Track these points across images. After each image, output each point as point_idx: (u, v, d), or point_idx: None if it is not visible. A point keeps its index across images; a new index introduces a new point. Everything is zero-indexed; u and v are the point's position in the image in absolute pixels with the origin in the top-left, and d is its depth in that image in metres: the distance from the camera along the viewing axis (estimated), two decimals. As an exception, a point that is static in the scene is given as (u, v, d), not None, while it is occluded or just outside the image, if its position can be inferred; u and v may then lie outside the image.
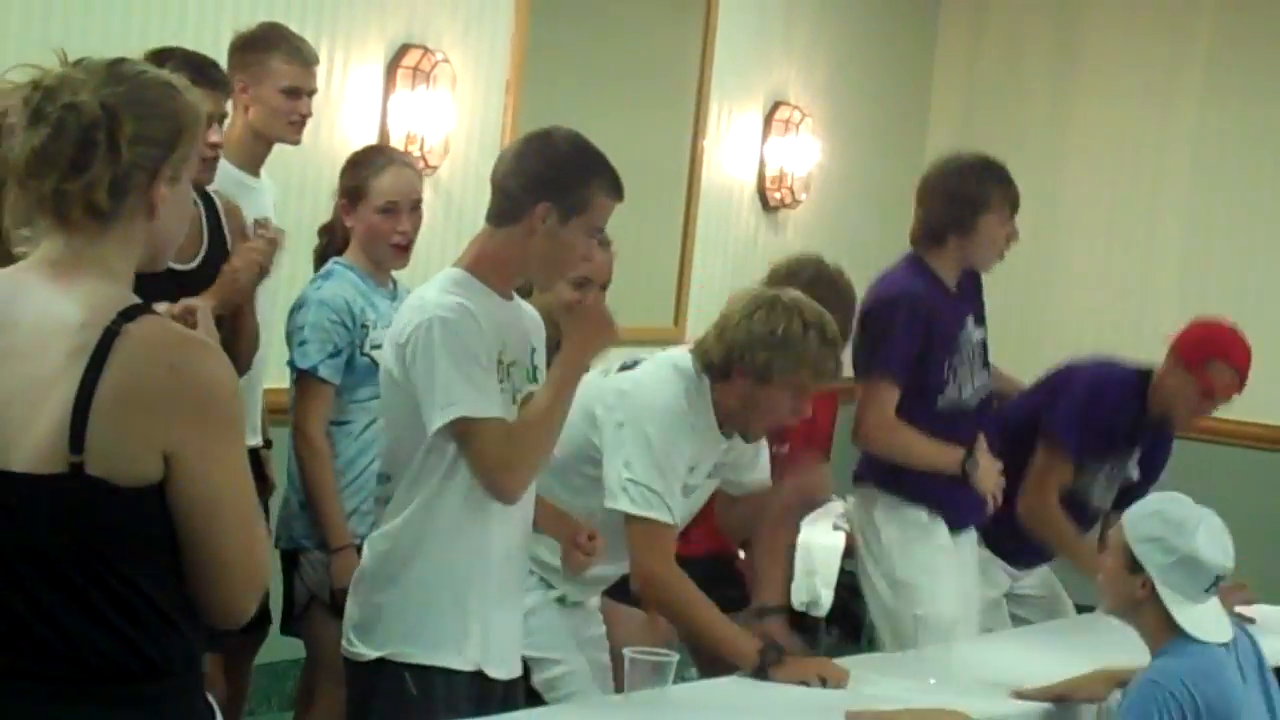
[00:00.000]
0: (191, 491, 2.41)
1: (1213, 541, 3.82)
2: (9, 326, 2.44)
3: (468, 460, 3.59)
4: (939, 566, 5.03)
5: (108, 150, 2.42)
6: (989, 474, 5.03)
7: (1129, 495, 5.12)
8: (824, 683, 4.07)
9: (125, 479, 2.37)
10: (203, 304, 4.20)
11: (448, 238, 6.05)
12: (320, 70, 5.21)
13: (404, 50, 6.77)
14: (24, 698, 2.41)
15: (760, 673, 4.08)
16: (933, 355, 5.03)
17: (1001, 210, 5.11)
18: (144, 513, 2.40)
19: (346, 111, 6.55)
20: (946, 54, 9.78)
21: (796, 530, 5.41)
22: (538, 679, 4.18)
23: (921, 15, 9.70)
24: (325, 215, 4.97)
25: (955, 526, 5.15)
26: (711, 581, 4.86)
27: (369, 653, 3.67)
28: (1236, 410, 7.59)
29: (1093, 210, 9.14)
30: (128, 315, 2.40)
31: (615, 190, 3.71)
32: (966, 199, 5.07)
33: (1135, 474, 5.42)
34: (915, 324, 5.00)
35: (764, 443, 4.55)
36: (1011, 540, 5.33)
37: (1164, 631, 3.80)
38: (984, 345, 5.22)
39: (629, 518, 4.13)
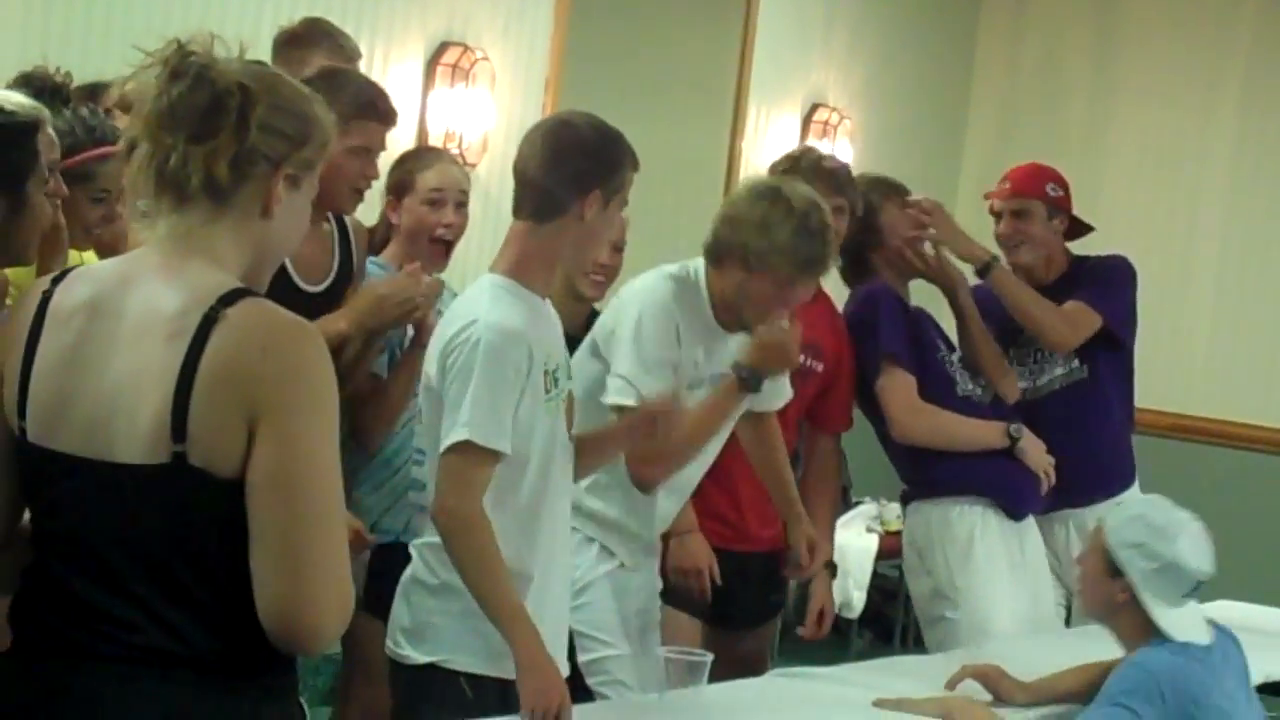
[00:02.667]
0: (266, 471, 2.35)
1: (1195, 547, 3.82)
2: (114, 316, 2.43)
3: (439, 480, 3.58)
4: (998, 574, 5.06)
5: (236, 123, 2.43)
6: (1036, 445, 5.08)
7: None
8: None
9: (224, 469, 2.36)
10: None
11: (485, 235, 6.05)
12: (360, 67, 5.21)
13: (444, 48, 6.79)
14: (127, 675, 2.41)
15: None
16: (928, 353, 5.12)
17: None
18: (244, 505, 2.38)
19: (386, 108, 6.56)
20: (986, 58, 9.77)
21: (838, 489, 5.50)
22: (582, 659, 4.16)
23: (961, 18, 9.69)
24: (364, 211, 4.97)
25: (1015, 514, 5.16)
26: (762, 583, 4.90)
27: (420, 657, 3.66)
28: (1232, 411, 7.60)
29: (1130, 215, 9.11)
30: (227, 300, 2.39)
31: (636, 163, 3.76)
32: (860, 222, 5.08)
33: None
34: (895, 313, 5.09)
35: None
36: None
37: (1142, 634, 3.80)
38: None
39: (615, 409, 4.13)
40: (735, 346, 4.27)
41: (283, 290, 4.07)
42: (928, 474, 5.17)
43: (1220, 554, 3.87)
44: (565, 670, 3.69)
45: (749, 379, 4.18)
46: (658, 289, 4.21)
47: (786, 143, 8.49)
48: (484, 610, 3.54)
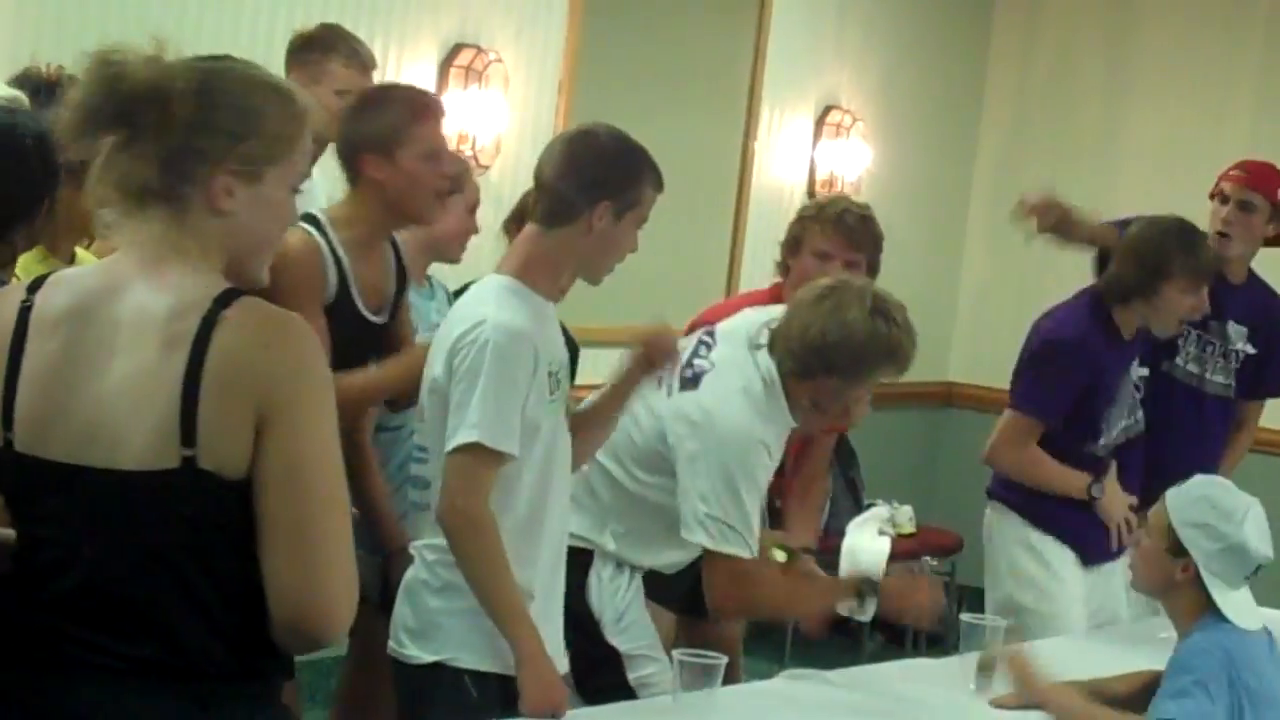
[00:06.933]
0: (277, 465, 2.36)
1: (1259, 531, 3.81)
2: (106, 323, 2.43)
3: (447, 480, 3.60)
4: (1054, 594, 5.10)
5: (156, 125, 2.42)
6: (1115, 502, 5.13)
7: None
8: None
9: (234, 471, 2.36)
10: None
11: (500, 238, 6.06)
12: (374, 71, 5.22)
13: (457, 49, 6.79)
14: (121, 689, 2.41)
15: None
16: (1093, 405, 5.15)
17: (1183, 280, 5.12)
18: (250, 507, 2.39)
19: (399, 110, 6.56)
20: (999, 60, 9.75)
21: (828, 480, 5.55)
22: (633, 677, 4.22)
23: (975, 20, 9.68)
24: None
25: (1088, 562, 5.26)
26: None
27: (424, 656, 3.67)
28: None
29: (1144, 217, 9.11)
30: (223, 301, 2.39)
31: (660, 183, 3.75)
32: (1152, 265, 5.10)
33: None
34: (1079, 374, 5.11)
35: None
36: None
37: (1197, 612, 3.79)
38: (1138, 383, 5.32)
39: (708, 551, 4.16)
40: None
41: (349, 321, 4.11)
42: (1017, 497, 5.26)
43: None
44: (564, 668, 3.72)
45: (864, 599, 4.30)
46: (747, 424, 4.15)
47: (800, 144, 8.49)
48: (486, 609, 3.57)
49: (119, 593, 2.41)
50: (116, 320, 2.43)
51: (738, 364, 4.23)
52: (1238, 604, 3.79)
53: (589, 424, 3.93)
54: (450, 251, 4.76)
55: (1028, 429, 5.16)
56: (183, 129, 2.43)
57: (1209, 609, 3.77)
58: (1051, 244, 5.58)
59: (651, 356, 3.90)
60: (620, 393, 3.96)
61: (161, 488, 2.37)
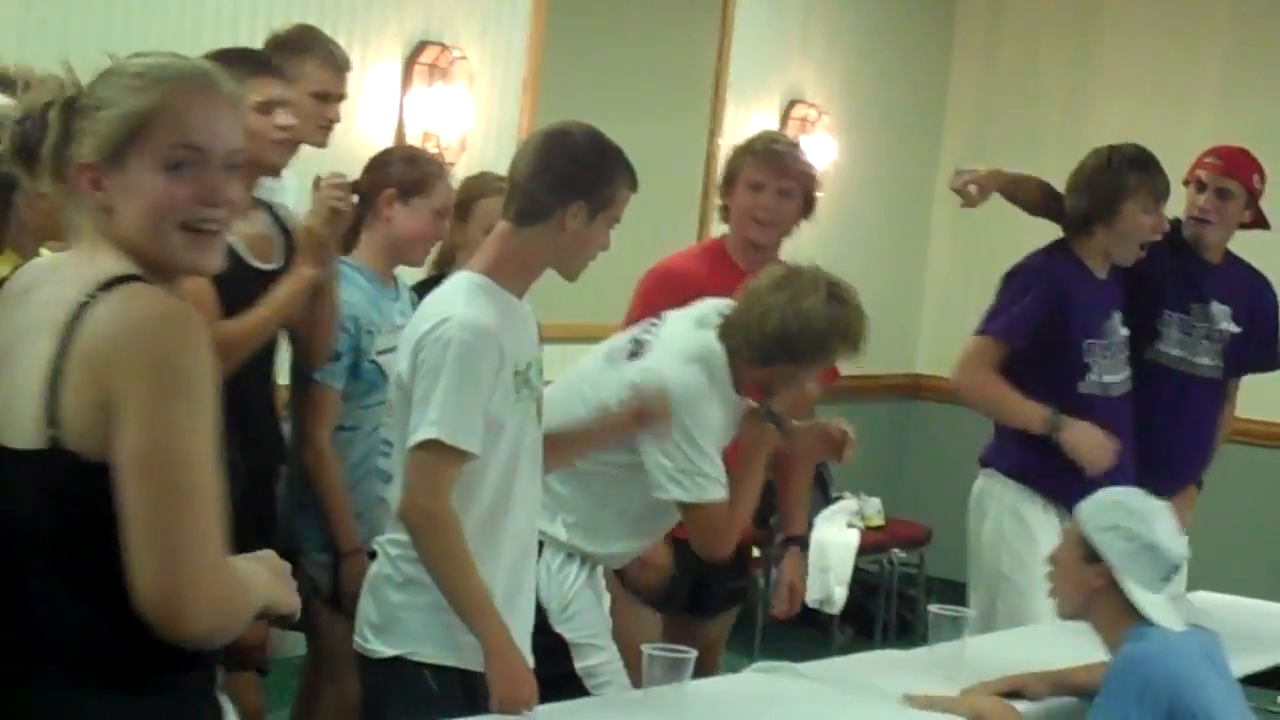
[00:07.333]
0: (128, 452, 2.35)
1: (1170, 531, 3.84)
2: (27, 305, 2.49)
3: (408, 477, 3.61)
4: (1032, 567, 5.11)
5: (60, 124, 2.48)
6: (1084, 438, 5.12)
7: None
8: None
9: (94, 452, 2.37)
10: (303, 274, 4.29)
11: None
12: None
13: (421, 47, 6.79)
14: (18, 681, 2.42)
15: None
16: (1070, 336, 5.18)
17: (1143, 197, 5.23)
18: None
19: (364, 108, 6.56)
20: (963, 53, 9.78)
21: (813, 468, 5.59)
22: (580, 665, 4.22)
23: (938, 14, 9.71)
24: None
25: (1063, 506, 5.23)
26: (725, 570, 4.93)
27: (385, 650, 3.68)
28: (1265, 410, 7.62)
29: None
30: (107, 286, 2.41)
31: (634, 183, 3.76)
32: (1108, 187, 5.19)
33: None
34: (1040, 290, 5.19)
35: None
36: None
37: (1121, 620, 3.80)
38: (1127, 343, 5.34)
39: (686, 506, 4.19)
40: None
41: (237, 270, 4.15)
42: (1008, 457, 5.31)
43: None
44: (530, 664, 3.72)
45: (773, 420, 4.30)
46: (695, 379, 4.20)
47: (765, 139, 8.50)
48: (453, 605, 3.58)
49: (10, 576, 2.42)
50: (34, 303, 2.48)
51: (682, 336, 4.28)
52: (1159, 605, 3.80)
53: (554, 450, 3.95)
54: (412, 253, 4.76)
55: (988, 348, 5.22)
56: (61, 133, 2.48)
57: (1134, 618, 3.79)
58: (1010, 205, 5.62)
59: (644, 414, 4.07)
60: (597, 438, 4.10)
61: (33, 467, 2.40)
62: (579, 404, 4.23)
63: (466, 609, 3.58)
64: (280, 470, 4.63)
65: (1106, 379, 5.24)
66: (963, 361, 5.28)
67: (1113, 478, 4.82)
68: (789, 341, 4.17)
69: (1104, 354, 5.23)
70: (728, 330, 4.24)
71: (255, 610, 2.51)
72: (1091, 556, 3.83)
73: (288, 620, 2.68)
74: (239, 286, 4.16)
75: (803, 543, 5.23)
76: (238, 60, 4.10)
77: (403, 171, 4.71)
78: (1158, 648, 3.74)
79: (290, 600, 2.62)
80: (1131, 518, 3.83)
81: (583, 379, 4.32)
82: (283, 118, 4.35)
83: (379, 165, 4.81)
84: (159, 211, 2.48)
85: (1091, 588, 3.83)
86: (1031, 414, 5.20)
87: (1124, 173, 5.26)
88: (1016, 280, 5.29)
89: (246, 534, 2.62)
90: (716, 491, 4.18)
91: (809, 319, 4.16)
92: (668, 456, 4.15)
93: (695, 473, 4.15)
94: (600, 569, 4.33)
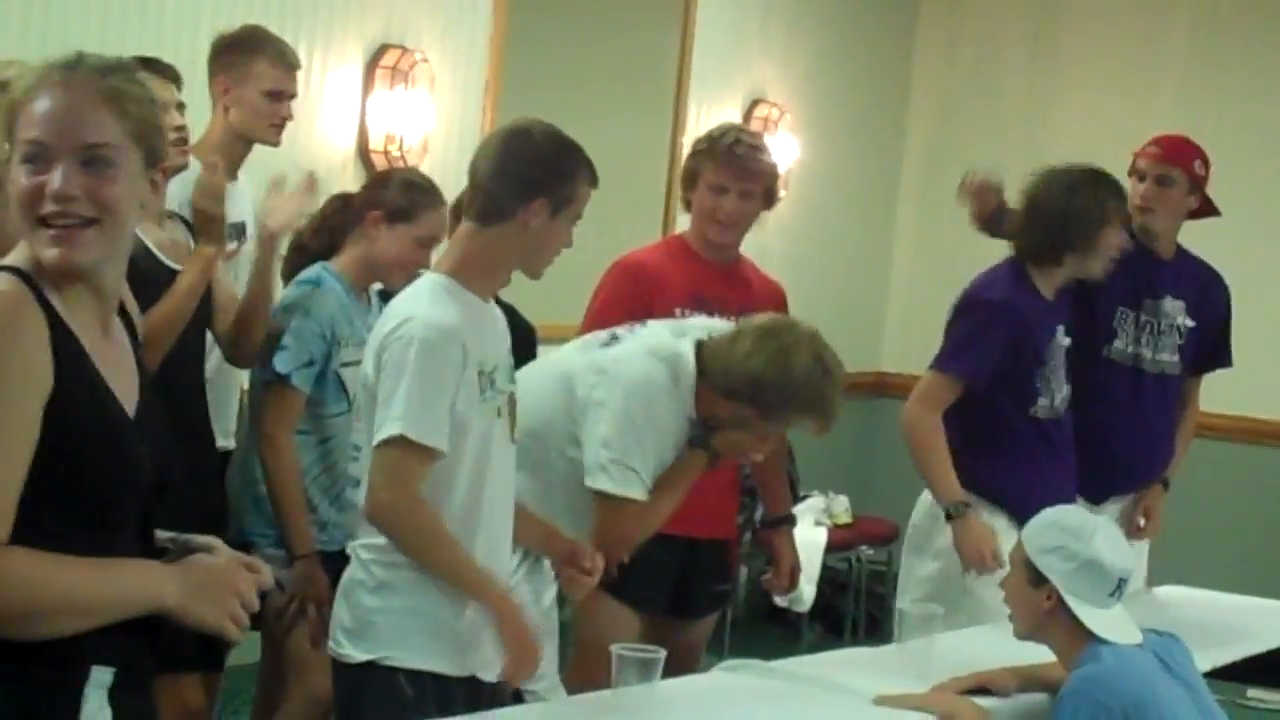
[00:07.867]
0: None
1: (1111, 545, 3.84)
2: None
3: (372, 475, 3.60)
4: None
5: None
6: (970, 540, 4.98)
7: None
8: None
9: None
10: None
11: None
12: (300, 73, 5.20)
13: (383, 50, 6.79)
14: None
15: None
16: (1024, 367, 5.10)
17: (1117, 219, 5.18)
18: None
19: (325, 111, 6.55)
20: (925, 50, 9.80)
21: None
22: None
23: (899, 11, 9.73)
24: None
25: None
26: (710, 571, 4.92)
27: (359, 655, 3.67)
28: (1229, 404, 7.64)
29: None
30: None
31: (594, 179, 3.75)
32: (1086, 217, 5.10)
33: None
34: (1002, 330, 5.07)
35: None
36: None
37: (1076, 641, 3.80)
38: (1067, 353, 5.25)
39: (609, 496, 4.11)
40: None
41: (153, 269, 4.30)
42: (971, 475, 5.12)
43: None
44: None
45: (706, 449, 4.21)
46: (655, 373, 4.14)
47: (728, 139, 8.50)
48: (451, 584, 3.60)
49: None
50: None
51: (658, 337, 4.25)
52: (1109, 621, 3.79)
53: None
54: (389, 277, 4.69)
55: (944, 386, 5.07)
56: None
57: (1087, 637, 3.78)
58: (981, 234, 5.58)
59: (577, 557, 4.03)
60: (538, 539, 4.08)
61: None
62: (550, 382, 4.19)
63: (466, 583, 3.60)
64: (222, 460, 4.69)
65: (1056, 400, 5.18)
66: (920, 395, 5.12)
67: (1055, 494, 4.73)
68: (761, 387, 4.09)
69: (1052, 374, 5.18)
70: (707, 351, 4.20)
71: (85, 614, 2.43)
72: (1037, 579, 3.83)
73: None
74: (155, 284, 4.23)
75: (792, 520, 5.24)
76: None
77: (395, 195, 4.69)
78: (1108, 668, 3.73)
79: (209, 616, 2.55)
80: (1069, 536, 3.83)
81: (559, 360, 4.29)
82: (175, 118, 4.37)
83: (377, 183, 4.84)
84: (17, 206, 2.50)
85: (1042, 610, 3.83)
86: (946, 488, 5.05)
87: (1103, 201, 5.15)
88: (978, 314, 5.12)
89: (193, 522, 2.64)
90: (638, 491, 4.11)
91: (788, 373, 4.08)
92: (606, 446, 4.09)
93: (626, 465, 4.09)
94: (546, 562, 4.28)
